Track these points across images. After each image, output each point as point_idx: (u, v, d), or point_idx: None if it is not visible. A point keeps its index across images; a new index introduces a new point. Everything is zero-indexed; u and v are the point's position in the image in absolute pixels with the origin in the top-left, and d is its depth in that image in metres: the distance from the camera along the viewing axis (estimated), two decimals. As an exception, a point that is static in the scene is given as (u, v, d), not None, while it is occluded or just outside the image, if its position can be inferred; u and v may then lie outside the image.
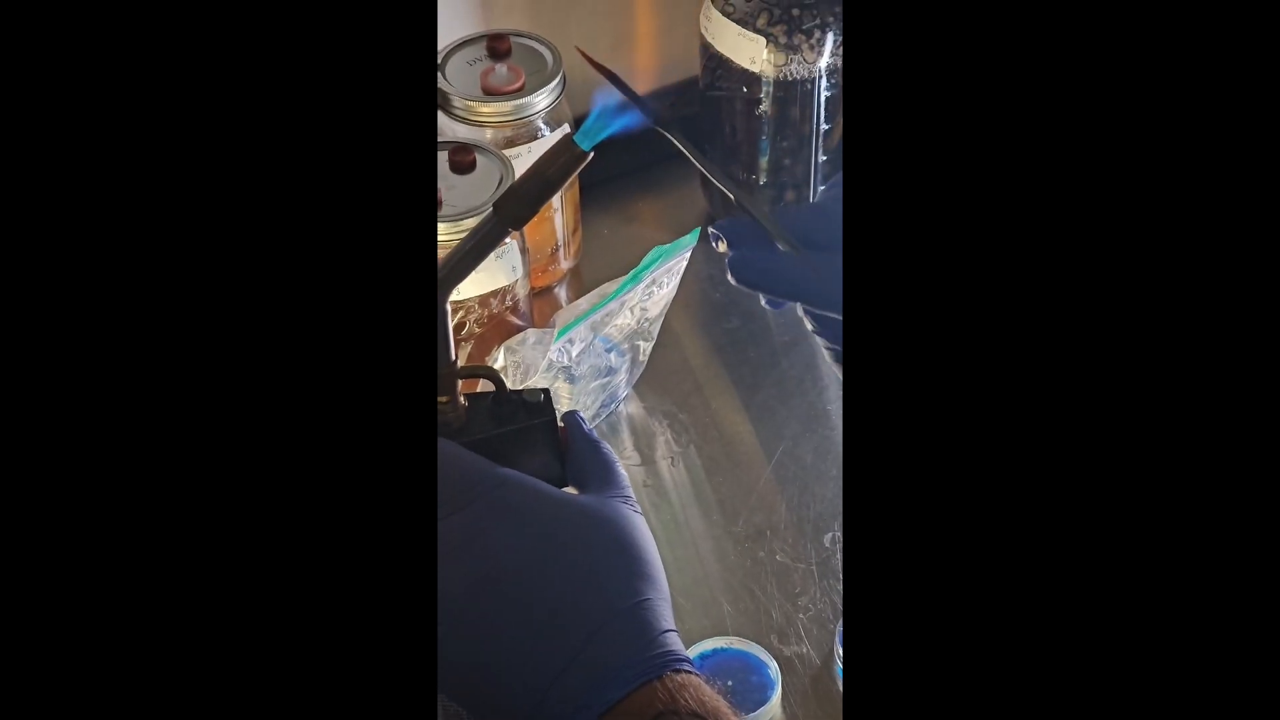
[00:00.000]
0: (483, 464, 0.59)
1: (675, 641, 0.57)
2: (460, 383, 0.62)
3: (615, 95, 0.56)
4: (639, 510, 0.61)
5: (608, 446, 0.65)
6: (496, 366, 0.89)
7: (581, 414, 0.66)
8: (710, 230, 0.67)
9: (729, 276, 0.66)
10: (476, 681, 0.55)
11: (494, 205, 0.57)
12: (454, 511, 0.57)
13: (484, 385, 0.73)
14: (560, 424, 0.65)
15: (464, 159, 0.94)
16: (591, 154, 0.56)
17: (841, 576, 0.89)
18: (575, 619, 0.55)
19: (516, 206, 0.57)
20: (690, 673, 0.55)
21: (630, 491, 0.62)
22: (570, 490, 0.63)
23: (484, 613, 0.55)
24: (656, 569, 0.59)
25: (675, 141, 0.56)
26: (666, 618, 0.57)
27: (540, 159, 0.57)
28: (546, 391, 0.63)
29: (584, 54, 0.57)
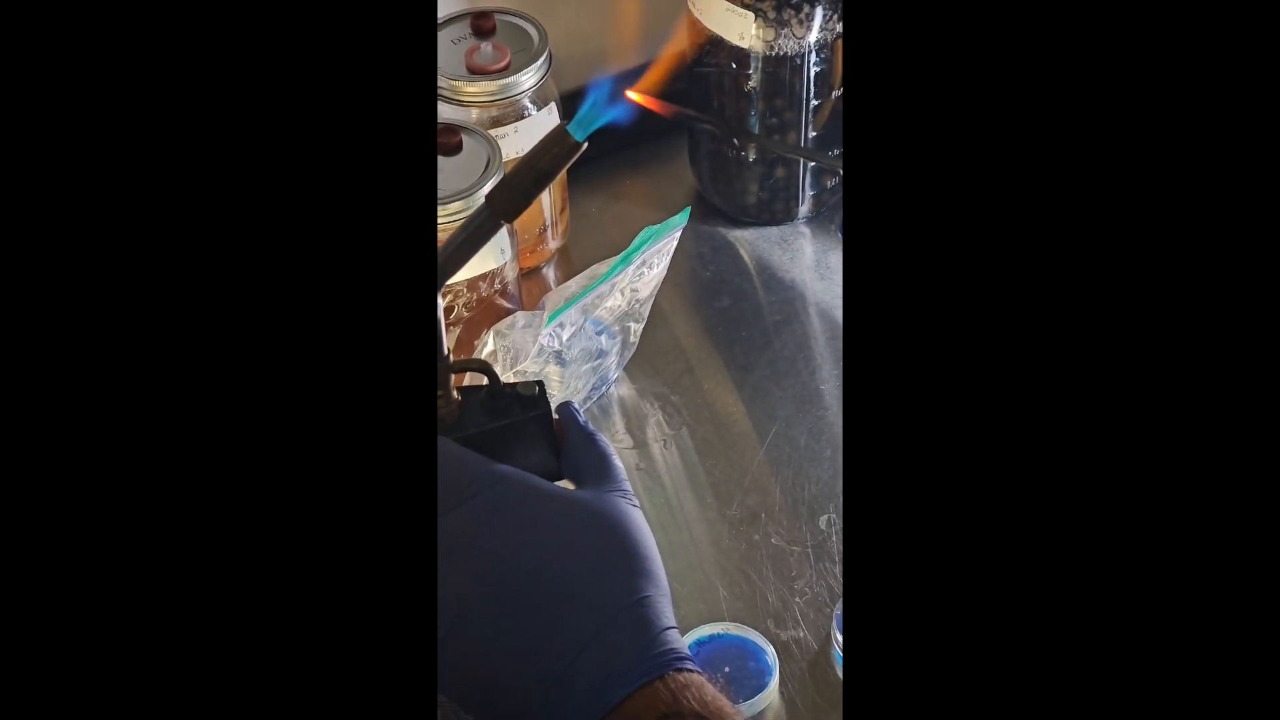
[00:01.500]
0: (478, 461, 0.58)
1: (676, 639, 0.56)
2: (452, 376, 0.61)
3: (608, 84, 0.55)
4: (636, 504, 0.61)
5: (603, 439, 0.64)
6: (486, 351, 0.88)
7: (576, 405, 0.65)
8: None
9: None
10: (478, 683, 0.54)
11: (486, 198, 0.56)
12: (450, 510, 0.56)
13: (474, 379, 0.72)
14: (554, 416, 0.64)
15: (450, 140, 0.93)
16: (585, 145, 0.55)
17: (837, 559, 0.88)
18: (575, 619, 0.54)
19: (509, 198, 0.56)
20: (692, 671, 0.55)
21: (627, 485, 0.61)
22: (566, 485, 0.62)
23: (483, 613, 0.54)
24: (655, 565, 0.58)
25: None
26: (667, 615, 0.57)
27: (533, 150, 0.55)
28: (541, 384, 0.62)
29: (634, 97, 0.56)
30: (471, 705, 0.55)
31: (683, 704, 0.53)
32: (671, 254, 0.95)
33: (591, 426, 0.64)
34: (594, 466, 0.62)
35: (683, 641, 0.56)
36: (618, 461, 0.62)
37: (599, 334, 0.95)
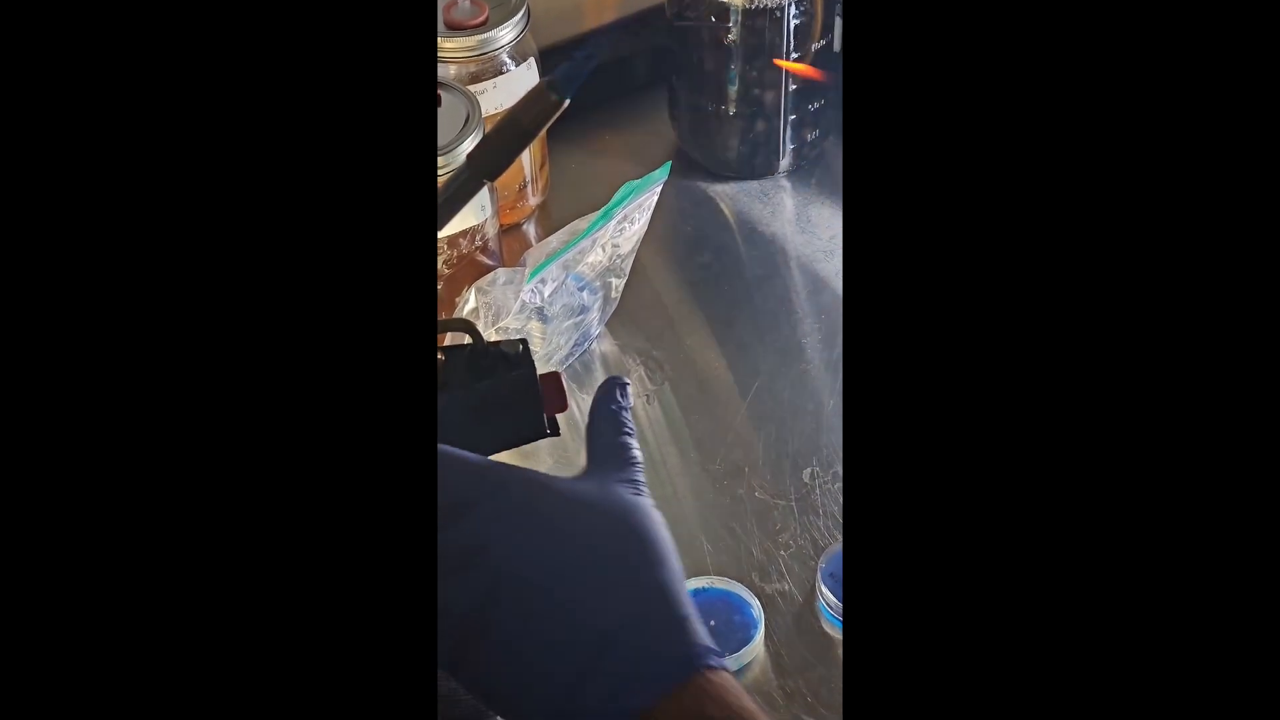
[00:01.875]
0: (481, 464, 0.56)
1: (694, 630, 0.54)
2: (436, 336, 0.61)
3: (589, 39, 0.55)
4: (643, 493, 0.58)
5: (630, 423, 0.62)
6: (467, 308, 0.88)
7: (627, 380, 0.63)
8: None
9: None
10: (500, 696, 0.54)
11: (468, 156, 0.56)
12: (456, 520, 0.54)
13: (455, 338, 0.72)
14: (557, 373, 0.63)
15: (429, 97, 0.92)
16: (568, 102, 0.54)
17: (821, 512, 0.89)
18: (589, 626, 0.53)
19: (491, 157, 0.56)
20: (716, 668, 0.53)
21: (638, 474, 0.59)
22: (560, 457, 0.61)
23: (497, 627, 0.53)
24: (667, 550, 0.56)
25: None
26: (683, 601, 0.55)
27: (514, 107, 0.55)
28: (524, 342, 0.62)
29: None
30: (498, 704, 0.54)
31: (707, 709, 0.52)
32: (652, 209, 0.95)
33: (626, 412, 0.62)
34: (608, 451, 0.60)
35: (704, 631, 0.54)
36: (635, 451, 0.61)
37: (581, 290, 0.95)
